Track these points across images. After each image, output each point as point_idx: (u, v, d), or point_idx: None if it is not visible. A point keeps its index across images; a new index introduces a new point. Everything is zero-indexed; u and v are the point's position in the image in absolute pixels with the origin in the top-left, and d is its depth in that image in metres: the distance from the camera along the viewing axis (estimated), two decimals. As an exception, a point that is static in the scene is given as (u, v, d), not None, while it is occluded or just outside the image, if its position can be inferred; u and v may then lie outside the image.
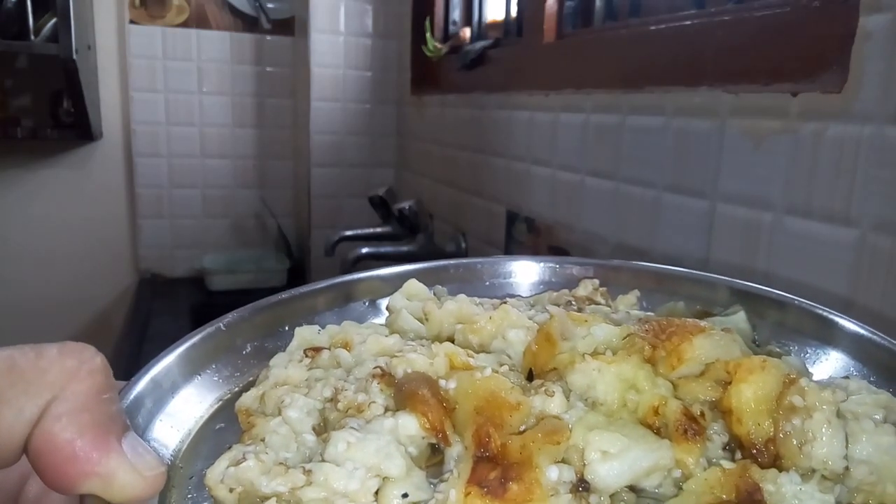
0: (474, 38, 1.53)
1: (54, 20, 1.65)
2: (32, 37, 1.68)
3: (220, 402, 0.37)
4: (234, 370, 0.38)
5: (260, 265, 2.03)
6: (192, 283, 2.02)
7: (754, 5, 0.75)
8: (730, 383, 0.31)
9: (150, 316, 1.76)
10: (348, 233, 1.57)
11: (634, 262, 0.52)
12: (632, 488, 0.29)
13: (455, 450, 0.31)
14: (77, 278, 2.02)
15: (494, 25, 1.50)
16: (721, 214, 0.75)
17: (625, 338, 0.35)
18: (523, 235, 1.19)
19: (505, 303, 0.42)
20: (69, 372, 0.23)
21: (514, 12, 1.40)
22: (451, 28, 1.66)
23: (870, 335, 0.37)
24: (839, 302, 0.60)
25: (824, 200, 0.62)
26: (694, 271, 0.47)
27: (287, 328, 0.41)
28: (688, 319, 0.35)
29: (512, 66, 1.29)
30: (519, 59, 1.26)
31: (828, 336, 0.39)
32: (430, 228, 1.55)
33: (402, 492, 0.29)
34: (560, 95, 1.07)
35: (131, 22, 1.94)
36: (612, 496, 0.29)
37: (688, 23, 0.83)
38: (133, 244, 2.09)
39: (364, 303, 0.47)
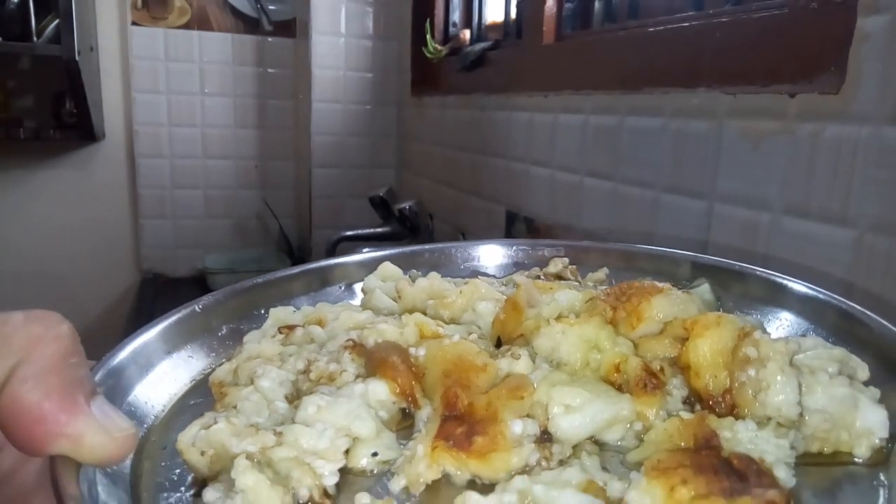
0: (474, 39, 1.53)
1: (56, 21, 1.66)
2: (35, 38, 1.68)
3: (195, 381, 0.37)
4: (209, 351, 0.38)
5: (261, 265, 2.03)
6: (193, 284, 2.02)
7: (752, 7, 0.75)
8: (688, 339, 0.32)
9: (152, 316, 1.73)
10: (349, 233, 1.58)
11: (603, 243, 0.53)
12: (596, 442, 0.30)
13: (424, 412, 0.32)
14: (79, 278, 2.03)
15: (494, 27, 1.51)
16: (719, 215, 0.75)
17: (587, 301, 0.36)
18: (523, 236, 1.20)
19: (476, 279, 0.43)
20: (35, 337, 0.23)
21: (513, 14, 1.41)
22: (451, 30, 1.67)
23: (825, 297, 0.38)
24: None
25: (822, 201, 0.62)
26: (659, 248, 0.48)
27: (263, 311, 0.42)
28: (646, 282, 0.36)
29: (511, 67, 1.29)
30: (518, 60, 1.27)
31: (787, 301, 0.40)
32: (431, 228, 1.56)
33: (372, 451, 0.29)
34: (559, 97, 1.07)
35: (133, 23, 1.95)
36: (576, 448, 0.29)
37: (686, 24, 0.84)
38: (135, 244, 2.10)
39: (340, 287, 0.48)
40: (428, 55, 1.62)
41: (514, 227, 1.23)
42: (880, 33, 0.56)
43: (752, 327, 0.32)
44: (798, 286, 0.40)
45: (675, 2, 0.96)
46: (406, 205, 1.49)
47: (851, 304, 0.36)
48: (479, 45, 1.39)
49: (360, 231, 1.61)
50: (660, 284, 0.36)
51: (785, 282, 0.41)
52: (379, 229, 1.61)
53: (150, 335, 0.36)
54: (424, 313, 0.39)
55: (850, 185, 0.59)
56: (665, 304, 0.34)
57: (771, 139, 0.68)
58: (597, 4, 1.12)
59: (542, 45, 1.17)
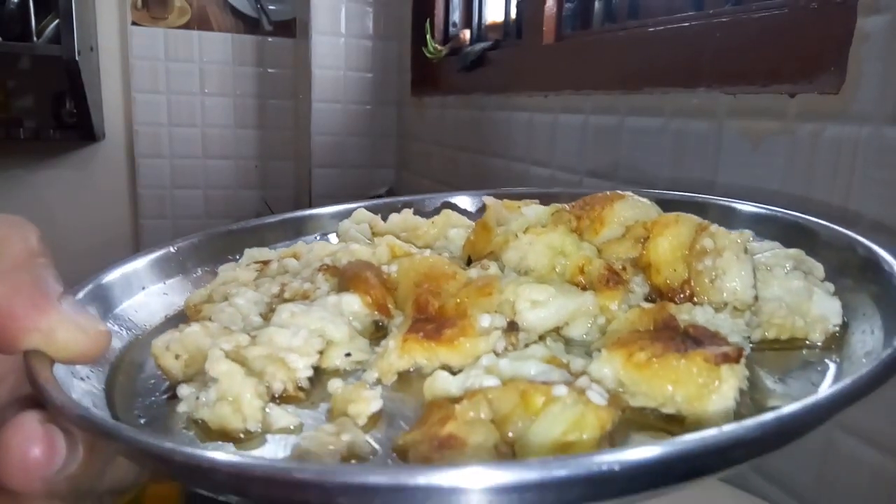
0: (474, 39, 1.53)
1: (56, 21, 1.66)
2: (35, 38, 1.68)
3: (172, 314, 0.37)
4: (184, 289, 0.38)
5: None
6: (193, 284, 2.02)
7: (752, 7, 0.75)
8: (648, 239, 0.33)
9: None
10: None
11: (574, 189, 0.54)
12: (563, 337, 0.31)
13: (397, 321, 0.32)
14: (79, 279, 2.03)
15: (494, 27, 1.51)
16: (719, 215, 0.75)
17: (552, 214, 0.37)
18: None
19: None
20: (1, 237, 0.23)
21: (513, 14, 1.41)
22: (451, 30, 1.66)
23: (775, 213, 0.40)
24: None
25: (822, 201, 0.62)
26: (626, 191, 0.49)
27: (238, 257, 0.42)
28: (609, 192, 0.38)
29: (511, 67, 1.29)
30: (518, 60, 1.27)
31: (746, 223, 0.41)
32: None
33: (346, 352, 0.30)
34: (559, 97, 1.07)
35: (133, 23, 1.95)
36: (541, 338, 0.30)
37: (686, 24, 0.84)
38: (135, 245, 2.09)
39: (315, 237, 0.48)
40: (428, 55, 1.62)
41: (513, 227, 1.23)
42: (880, 33, 0.56)
43: (708, 223, 0.33)
44: (752, 207, 0.42)
45: (675, 2, 0.96)
46: (406, 205, 1.49)
47: (802, 215, 0.38)
48: (479, 45, 1.39)
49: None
50: (621, 192, 0.37)
51: (740, 205, 0.43)
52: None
53: (126, 269, 0.36)
54: None
55: (850, 185, 0.59)
56: (626, 209, 0.36)
57: (771, 139, 0.68)
58: (597, 4, 1.12)
59: (542, 45, 1.17)
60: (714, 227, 0.33)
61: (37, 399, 0.22)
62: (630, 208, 0.36)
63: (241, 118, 2.11)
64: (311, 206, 1.92)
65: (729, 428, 0.18)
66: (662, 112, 0.83)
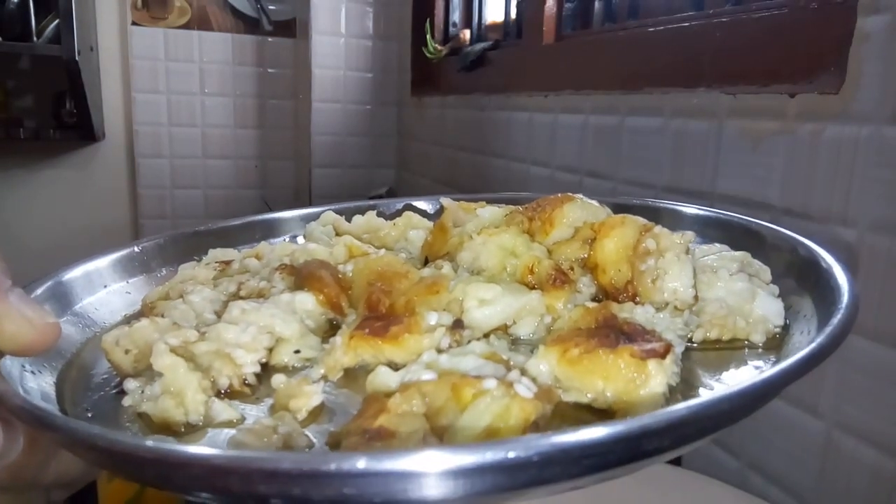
0: (474, 39, 1.53)
1: (56, 21, 1.66)
2: (35, 38, 1.68)
3: (132, 312, 0.37)
4: (147, 288, 0.38)
5: (261, 266, 2.03)
6: (193, 284, 2.02)
7: (752, 7, 0.75)
8: (595, 240, 0.34)
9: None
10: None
11: (537, 194, 0.55)
12: (510, 336, 0.31)
13: (349, 319, 0.33)
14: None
15: (494, 27, 1.51)
16: (719, 215, 0.75)
17: (506, 215, 0.38)
18: (523, 236, 1.19)
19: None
20: None
21: (513, 14, 1.41)
22: (451, 30, 1.66)
23: (719, 215, 0.41)
24: (837, 302, 0.60)
25: (822, 201, 0.62)
26: (581, 196, 0.50)
27: (203, 257, 0.42)
28: (560, 194, 0.38)
29: (511, 67, 1.29)
30: (518, 60, 1.27)
31: (694, 226, 0.42)
32: (431, 229, 1.55)
33: (295, 349, 0.30)
34: (559, 97, 1.07)
35: (133, 23, 1.95)
36: (486, 336, 0.30)
37: (686, 24, 0.84)
38: (135, 245, 2.09)
39: (284, 239, 0.48)
40: (428, 55, 1.62)
41: (513, 227, 1.23)
42: (880, 33, 0.56)
43: (652, 224, 0.34)
44: (701, 210, 0.43)
45: (675, 2, 0.96)
46: (406, 205, 1.49)
47: (753, 219, 0.39)
48: (479, 45, 1.39)
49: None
50: (572, 194, 0.38)
51: (690, 209, 0.43)
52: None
53: (88, 267, 0.36)
54: None
55: (851, 185, 0.59)
56: (576, 210, 0.37)
57: (771, 139, 0.68)
58: (597, 4, 1.12)
59: (542, 44, 1.17)
60: (657, 229, 0.33)
61: None
62: (579, 210, 0.37)
63: (241, 118, 2.11)
64: (310, 206, 1.93)
65: (635, 420, 0.18)
66: (662, 112, 0.83)
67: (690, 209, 0.44)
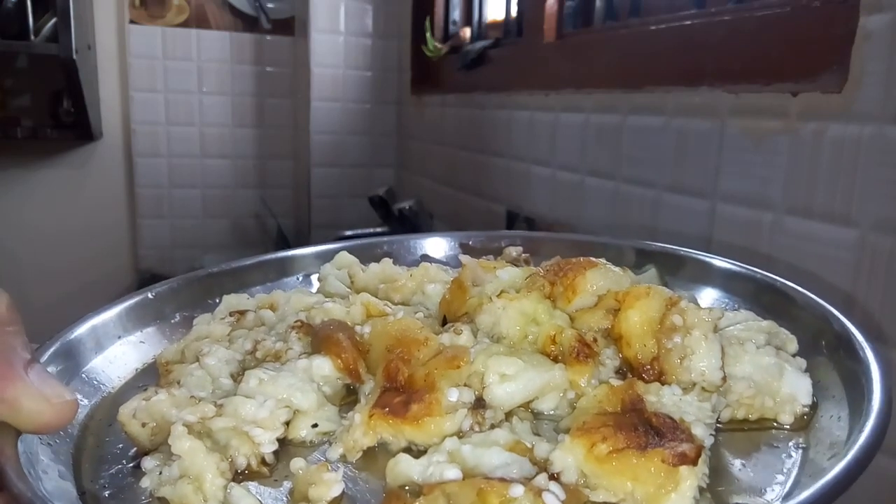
0: (474, 38, 1.53)
1: (54, 20, 1.65)
2: (32, 37, 1.68)
3: (146, 365, 0.37)
4: (161, 337, 0.38)
5: (260, 265, 2.02)
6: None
7: (754, 5, 0.75)
8: (619, 311, 0.34)
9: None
10: (348, 233, 1.57)
11: (557, 234, 0.55)
12: (532, 412, 0.31)
13: (367, 386, 0.32)
14: (75, 278, 2.02)
15: (494, 25, 1.50)
16: (721, 214, 0.75)
17: (527, 278, 0.38)
18: (523, 235, 1.19)
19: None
20: None
21: (514, 12, 1.40)
22: (452, 28, 1.66)
23: (752, 273, 0.40)
24: (840, 301, 0.60)
25: (825, 200, 0.62)
26: (606, 238, 0.49)
27: (217, 300, 0.41)
28: (583, 258, 0.38)
29: (512, 66, 1.28)
30: (519, 59, 1.26)
31: (723, 280, 0.42)
32: (430, 228, 1.55)
33: (313, 422, 0.30)
34: (560, 95, 1.07)
35: (131, 22, 1.94)
36: (508, 415, 0.30)
37: (688, 23, 0.83)
38: (132, 244, 2.09)
39: (297, 277, 0.48)
40: (428, 53, 1.61)
41: (514, 226, 1.23)
42: (883, 32, 0.56)
43: (679, 297, 0.34)
44: (731, 266, 0.42)
45: (676, 0, 0.96)
46: (406, 204, 1.48)
47: (780, 279, 0.38)
48: (480, 44, 1.39)
49: (359, 231, 1.60)
50: (595, 259, 0.37)
51: (719, 262, 0.43)
52: (378, 229, 1.61)
53: (101, 319, 0.36)
54: (376, 297, 0.40)
55: (853, 184, 0.59)
56: (599, 278, 0.36)
57: (773, 138, 0.68)
58: (598, 2, 1.12)
59: (543, 43, 1.17)
60: (684, 304, 0.33)
61: None
62: (602, 277, 0.36)
63: (240, 117, 2.10)
64: (309, 205, 1.92)
65: None
66: (664, 111, 0.83)
67: (718, 262, 0.43)
